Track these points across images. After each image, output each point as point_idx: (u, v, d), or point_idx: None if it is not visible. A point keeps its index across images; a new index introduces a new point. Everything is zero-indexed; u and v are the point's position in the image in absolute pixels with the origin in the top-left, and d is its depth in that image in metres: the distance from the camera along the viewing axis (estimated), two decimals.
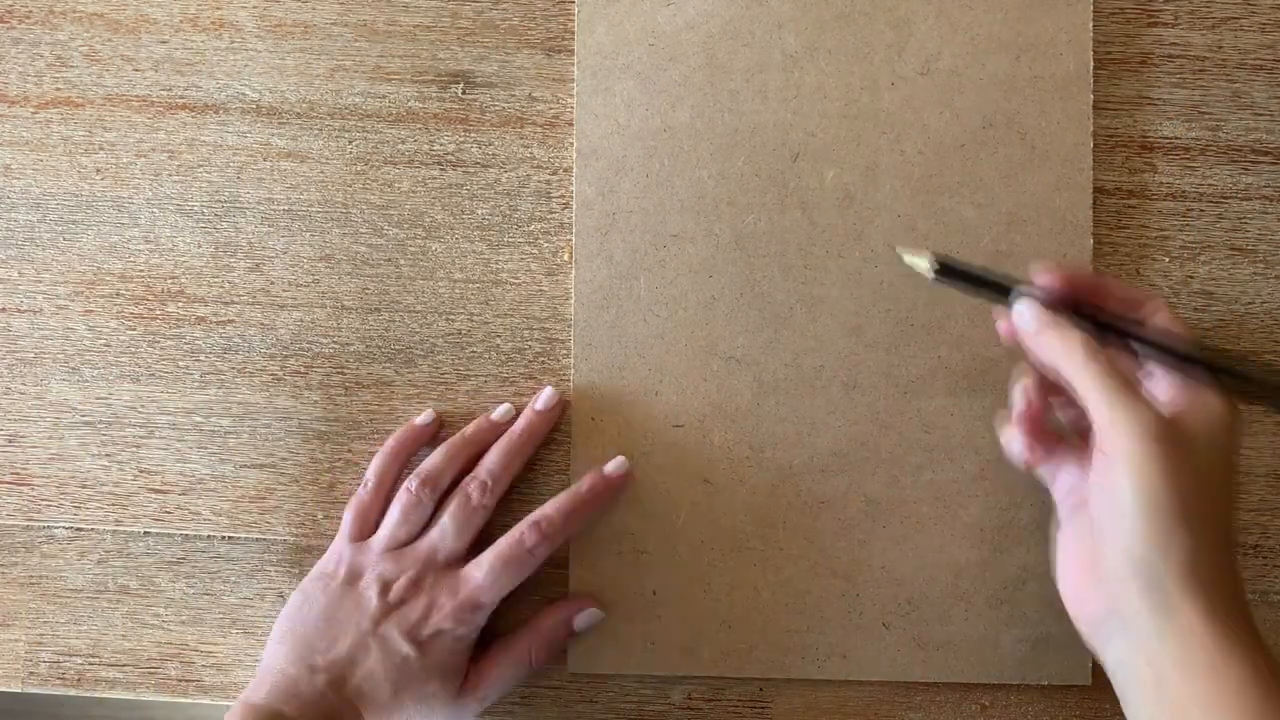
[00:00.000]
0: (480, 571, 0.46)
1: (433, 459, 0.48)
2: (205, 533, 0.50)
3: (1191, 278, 0.49)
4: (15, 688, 0.51)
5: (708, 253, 0.49)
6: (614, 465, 0.48)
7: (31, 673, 0.51)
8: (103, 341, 0.51)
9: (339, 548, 0.48)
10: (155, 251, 0.51)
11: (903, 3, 0.49)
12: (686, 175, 0.49)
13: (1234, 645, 0.35)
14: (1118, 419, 0.36)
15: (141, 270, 0.51)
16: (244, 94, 0.51)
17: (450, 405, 0.50)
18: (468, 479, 0.48)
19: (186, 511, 0.50)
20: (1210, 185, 0.50)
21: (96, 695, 0.50)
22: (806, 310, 0.49)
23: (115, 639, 0.50)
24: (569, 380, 0.49)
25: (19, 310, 0.51)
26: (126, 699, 0.51)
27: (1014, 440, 0.42)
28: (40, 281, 0.51)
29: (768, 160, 0.49)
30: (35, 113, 0.51)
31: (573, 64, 0.50)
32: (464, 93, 0.50)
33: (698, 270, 0.49)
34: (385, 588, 0.45)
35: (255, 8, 0.51)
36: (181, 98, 0.51)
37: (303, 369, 0.51)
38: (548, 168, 0.50)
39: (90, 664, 0.50)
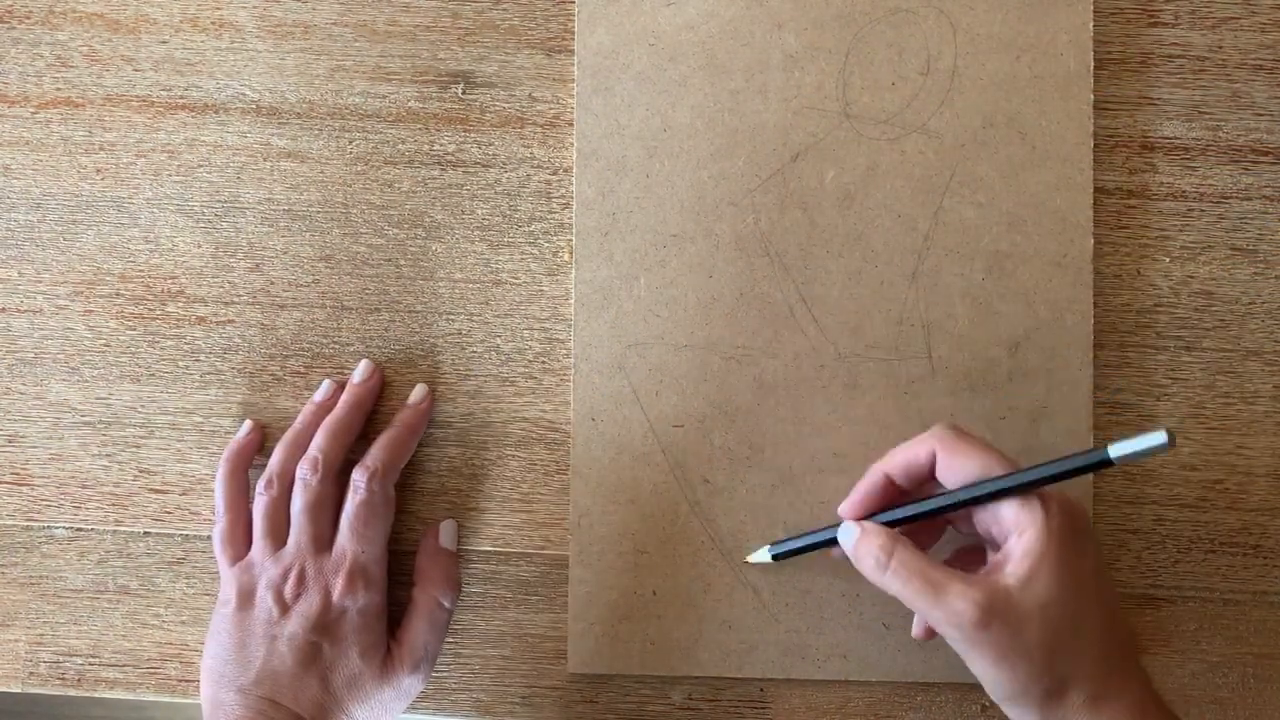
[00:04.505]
0: (344, 538, 0.47)
1: (274, 458, 0.48)
2: (205, 533, 0.50)
3: (1191, 278, 0.49)
4: (15, 688, 0.51)
5: (708, 253, 0.49)
6: (416, 394, 0.50)
7: (31, 673, 0.51)
8: (103, 341, 0.51)
9: (224, 576, 0.47)
10: (155, 251, 0.51)
11: (903, 3, 0.49)
12: (686, 175, 0.49)
13: None
14: (937, 621, 0.39)
15: (141, 270, 0.51)
16: (244, 94, 0.51)
17: (450, 405, 0.50)
18: (298, 465, 0.48)
19: (186, 511, 0.50)
20: (1210, 185, 0.50)
21: (96, 695, 0.50)
22: (806, 310, 0.49)
23: (115, 639, 0.50)
24: (569, 380, 0.49)
25: (19, 310, 0.51)
26: (126, 699, 0.51)
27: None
28: (40, 281, 0.51)
29: (768, 160, 0.49)
30: (35, 113, 0.51)
31: (573, 64, 0.50)
32: (464, 93, 0.50)
33: (698, 270, 0.49)
34: (278, 593, 0.46)
35: (255, 8, 0.51)
36: (181, 98, 0.51)
37: (303, 369, 0.51)
38: (548, 168, 0.50)
39: (90, 664, 0.50)
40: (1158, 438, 0.36)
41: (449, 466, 0.50)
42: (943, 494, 0.41)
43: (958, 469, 0.40)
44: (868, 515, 0.42)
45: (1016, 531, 0.39)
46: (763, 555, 0.47)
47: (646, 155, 0.49)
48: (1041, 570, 0.38)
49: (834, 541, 0.43)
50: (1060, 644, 0.38)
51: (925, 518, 0.41)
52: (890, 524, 0.41)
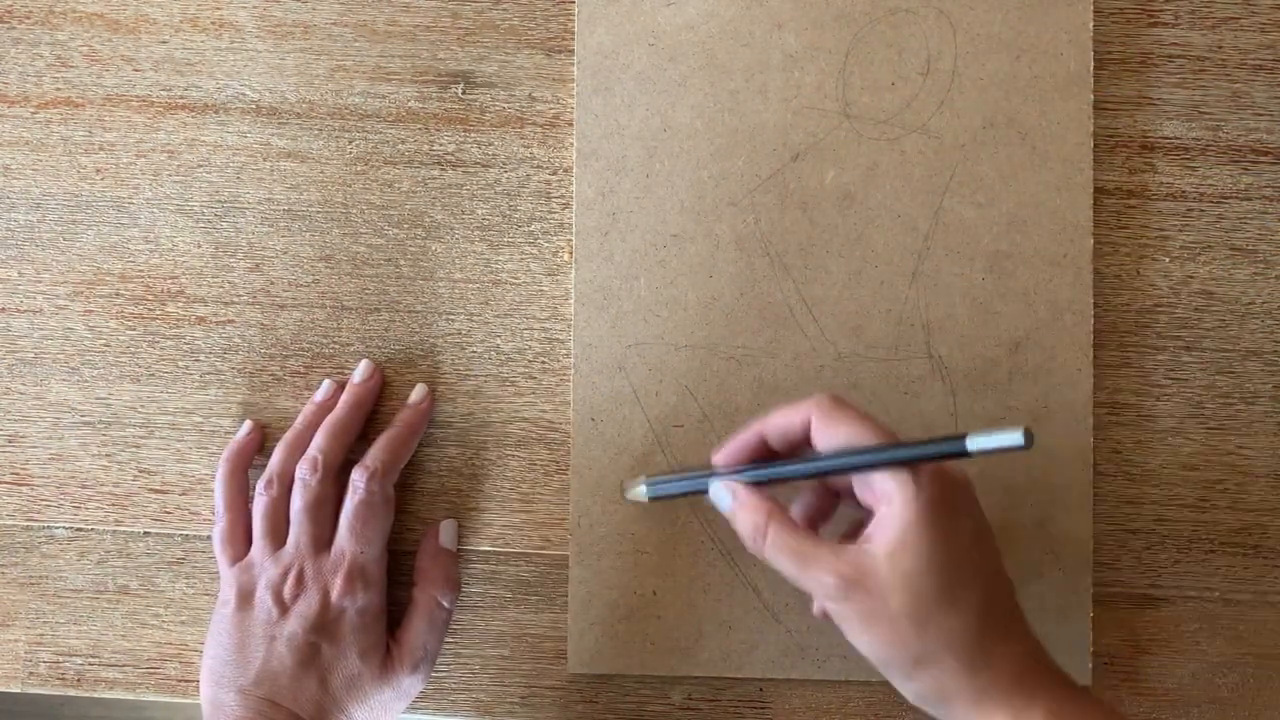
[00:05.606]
0: (343, 538, 0.47)
1: (274, 458, 0.48)
2: (205, 533, 0.50)
3: (1191, 278, 0.49)
4: (15, 688, 0.51)
5: (708, 253, 0.49)
6: (416, 394, 0.50)
7: (31, 673, 0.51)
8: (103, 341, 0.51)
9: (224, 577, 0.47)
10: (155, 251, 0.51)
11: (903, 2, 0.49)
12: (686, 175, 0.49)
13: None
14: (809, 591, 0.39)
15: (141, 270, 0.51)
16: (244, 94, 0.51)
17: (450, 405, 0.50)
18: (298, 465, 0.48)
19: (186, 511, 0.50)
20: (1210, 185, 0.50)
21: (96, 695, 0.50)
22: (806, 310, 0.49)
23: (115, 639, 0.50)
24: (569, 380, 0.49)
25: (19, 310, 0.51)
26: (126, 699, 0.51)
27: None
28: (40, 281, 0.51)
29: (768, 160, 0.49)
30: (35, 113, 0.51)
31: (573, 64, 0.50)
32: (464, 93, 0.51)
33: (698, 270, 0.49)
34: (277, 594, 0.46)
35: (255, 8, 0.51)
36: (181, 98, 0.51)
37: (303, 369, 0.51)
38: (548, 168, 0.50)
39: (90, 664, 0.50)
40: (1014, 438, 0.36)
41: (449, 466, 0.50)
42: (808, 457, 0.41)
43: (829, 436, 0.40)
44: (739, 467, 0.43)
45: (885, 501, 0.38)
46: (640, 494, 0.46)
47: (646, 155, 0.49)
48: (908, 540, 0.37)
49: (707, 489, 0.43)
50: (928, 614, 0.37)
51: (788, 479, 0.42)
52: (761, 482, 0.42)
